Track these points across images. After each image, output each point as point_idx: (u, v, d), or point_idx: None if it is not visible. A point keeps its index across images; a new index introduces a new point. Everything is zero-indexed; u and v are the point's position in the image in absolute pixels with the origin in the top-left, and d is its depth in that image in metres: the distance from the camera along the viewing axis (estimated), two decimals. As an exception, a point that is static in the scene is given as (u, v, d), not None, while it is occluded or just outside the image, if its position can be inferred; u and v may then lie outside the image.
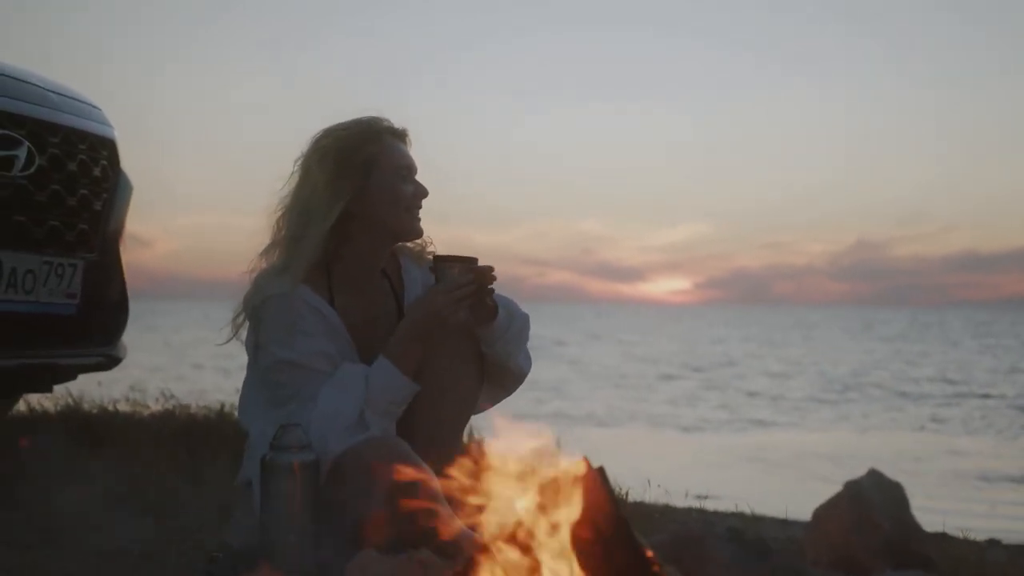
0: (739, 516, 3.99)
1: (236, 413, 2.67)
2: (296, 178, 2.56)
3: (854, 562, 1.79)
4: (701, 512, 3.96)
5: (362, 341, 2.52)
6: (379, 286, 2.65)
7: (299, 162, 2.57)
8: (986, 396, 19.45)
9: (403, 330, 2.44)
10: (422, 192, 2.57)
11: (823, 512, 1.89)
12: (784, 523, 3.96)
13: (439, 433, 2.47)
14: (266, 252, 2.56)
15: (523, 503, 1.73)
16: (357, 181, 2.49)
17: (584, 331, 58.25)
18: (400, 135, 2.60)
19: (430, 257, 2.64)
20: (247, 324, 2.54)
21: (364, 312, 2.57)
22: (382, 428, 2.40)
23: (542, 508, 1.72)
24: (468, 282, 2.42)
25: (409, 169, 2.57)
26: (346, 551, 2.14)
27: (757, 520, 3.92)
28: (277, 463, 2.26)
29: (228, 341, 2.56)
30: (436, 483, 2.25)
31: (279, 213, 2.56)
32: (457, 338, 2.55)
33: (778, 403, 17.87)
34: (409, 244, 2.70)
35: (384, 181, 2.52)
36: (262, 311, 2.47)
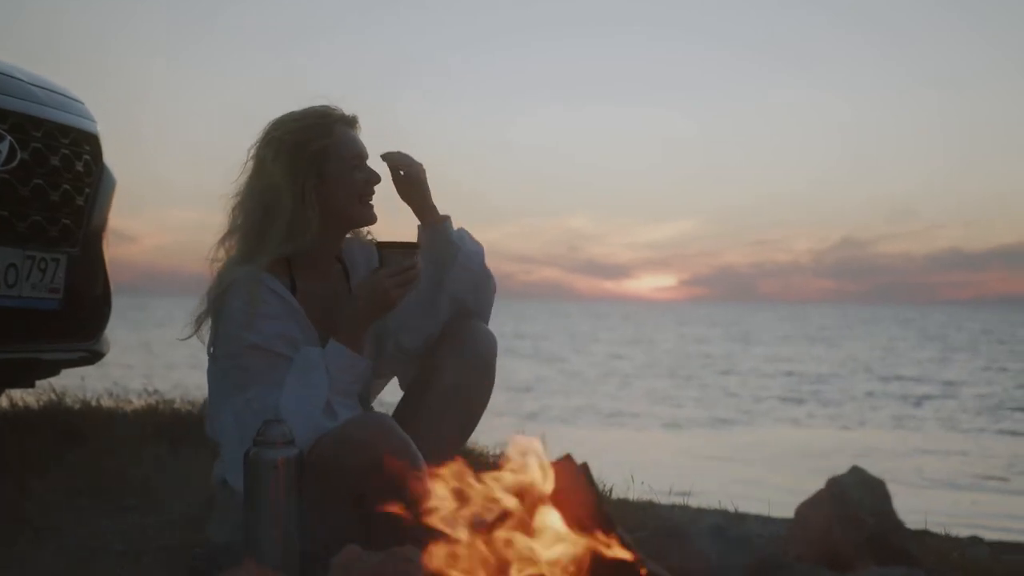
0: (722, 513, 3.99)
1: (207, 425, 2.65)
2: (250, 169, 2.58)
3: (837, 558, 1.80)
4: (684, 509, 3.96)
5: (324, 324, 2.55)
6: (334, 270, 2.69)
7: (252, 152, 2.59)
8: (968, 394, 19.54)
9: (350, 313, 2.49)
10: (374, 179, 2.61)
11: (806, 509, 1.90)
12: (767, 520, 3.97)
13: (440, 449, 2.47)
14: (223, 241, 2.58)
15: (507, 499, 1.73)
16: (311, 174, 2.52)
17: (570, 329, 58.28)
18: (351, 123, 2.62)
19: (370, 240, 2.72)
20: (210, 321, 2.54)
21: (323, 297, 2.59)
22: (351, 409, 2.45)
23: (526, 504, 1.73)
24: (411, 266, 2.49)
25: (360, 157, 2.60)
26: (330, 545, 2.14)
27: (740, 517, 3.93)
28: (261, 459, 2.25)
29: (189, 337, 2.55)
30: (422, 462, 2.29)
31: (235, 201, 2.58)
32: (463, 353, 2.62)
33: (760, 401, 17.92)
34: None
35: (337, 172, 2.55)
36: (225, 298, 2.48)
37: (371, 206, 2.62)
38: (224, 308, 2.48)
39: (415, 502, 2.08)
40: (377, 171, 2.62)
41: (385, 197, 2.66)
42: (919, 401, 18.33)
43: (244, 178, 2.58)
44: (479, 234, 2.71)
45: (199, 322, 2.54)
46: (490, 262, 2.69)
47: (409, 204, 2.67)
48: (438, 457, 2.30)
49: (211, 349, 2.54)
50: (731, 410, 16.30)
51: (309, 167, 2.52)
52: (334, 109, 2.60)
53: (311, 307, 2.55)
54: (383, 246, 2.54)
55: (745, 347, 38.61)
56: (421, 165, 2.66)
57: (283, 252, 2.52)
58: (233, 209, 2.57)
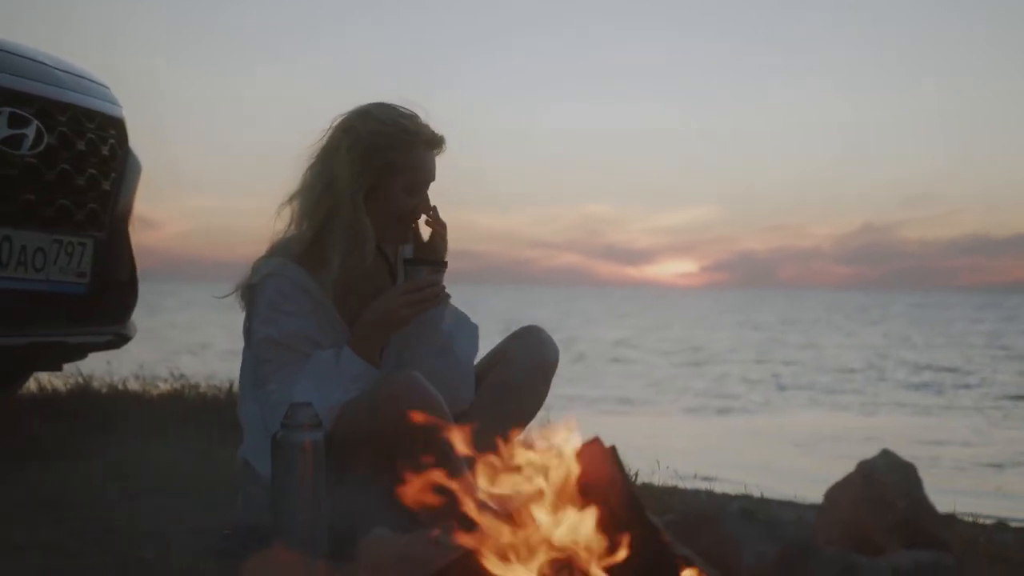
0: (747, 498, 3.98)
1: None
2: (326, 144, 2.58)
3: (867, 541, 1.79)
4: (709, 494, 3.96)
5: (354, 320, 2.56)
6: (375, 266, 2.69)
7: (335, 125, 2.58)
8: (989, 380, 19.41)
9: (364, 324, 2.50)
10: (422, 209, 2.61)
11: (836, 492, 1.89)
12: (791, 505, 3.96)
13: (487, 439, 2.50)
14: (290, 200, 2.59)
15: (536, 482, 1.73)
16: (371, 179, 2.53)
17: (591, 314, 58.24)
18: (434, 144, 2.60)
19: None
20: (248, 298, 2.57)
21: (360, 293, 2.60)
22: None
23: (555, 487, 1.72)
24: (432, 283, 2.49)
25: (422, 184, 2.59)
26: (358, 523, 2.14)
27: (765, 502, 3.92)
28: (288, 442, 2.26)
29: (227, 296, 2.58)
30: (451, 420, 2.37)
31: (307, 164, 2.59)
32: (528, 354, 2.67)
33: (782, 387, 17.86)
34: None
35: (392, 190, 2.55)
36: (255, 291, 2.52)
37: (410, 228, 2.62)
38: (253, 300, 2.52)
39: (446, 457, 2.09)
40: (428, 203, 2.61)
41: (438, 193, 2.67)
42: (940, 387, 18.22)
43: (319, 147, 2.59)
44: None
45: (237, 288, 2.56)
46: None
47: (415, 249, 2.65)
48: (485, 445, 2.33)
49: (247, 338, 2.58)
50: (754, 396, 16.25)
51: (372, 173, 2.52)
52: (422, 127, 2.58)
53: (345, 302, 2.57)
54: (409, 261, 2.56)
55: (767, 332, 38.46)
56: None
57: (341, 243, 2.50)
58: (304, 173, 2.58)
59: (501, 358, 2.69)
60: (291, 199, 2.59)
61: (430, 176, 2.60)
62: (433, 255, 2.59)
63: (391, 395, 2.38)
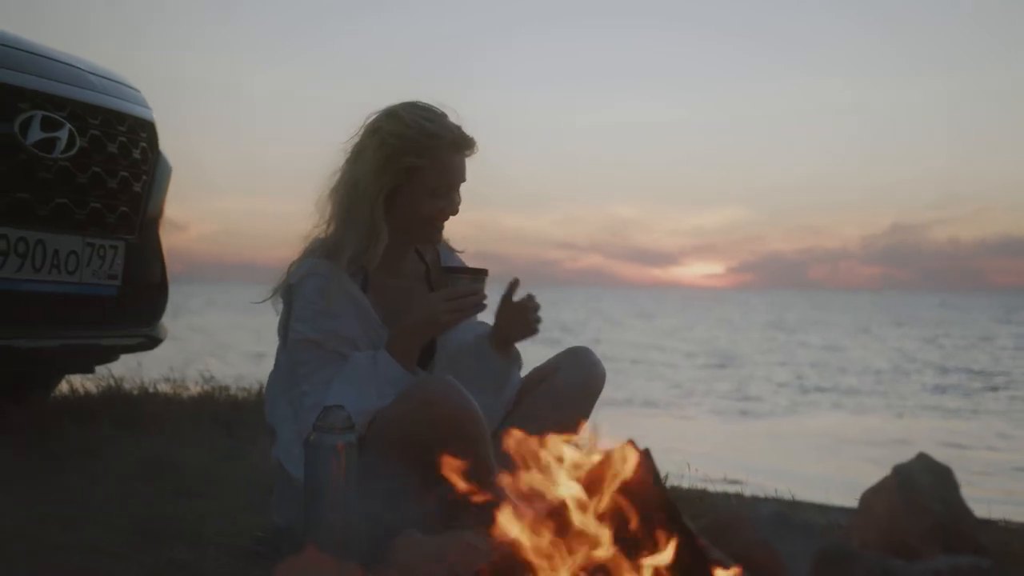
0: (777, 501, 3.96)
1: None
2: (356, 145, 2.60)
3: (904, 546, 1.77)
4: (739, 497, 3.94)
5: (393, 321, 2.57)
6: (414, 271, 2.70)
7: (366, 123, 2.60)
8: (1018, 384, 19.23)
9: (403, 329, 2.50)
10: (451, 210, 2.61)
11: (871, 496, 1.88)
12: (822, 508, 3.94)
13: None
14: (330, 195, 2.60)
15: (571, 485, 1.73)
16: (393, 181, 2.54)
17: (615, 316, 58.12)
18: (463, 147, 2.59)
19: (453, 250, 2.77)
20: (287, 298, 2.58)
21: (397, 298, 2.61)
22: None
23: (589, 490, 1.72)
24: (471, 292, 2.48)
25: (449, 186, 2.58)
26: (391, 525, 2.15)
27: (796, 505, 3.90)
28: (321, 444, 2.27)
29: (265, 300, 2.60)
30: (486, 426, 2.39)
31: (345, 158, 2.61)
32: (575, 373, 2.67)
33: (806, 389, 17.76)
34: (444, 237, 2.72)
35: (415, 192, 2.55)
36: (296, 290, 2.52)
37: (437, 228, 2.62)
38: (291, 300, 2.53)
39: (481, 462, 2.08)
40: (456, 205, 2.61)
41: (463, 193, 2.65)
42: (968, 390, 18.06)
43: (354, 143, 2.60)
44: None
45: (275, 290, 2.58)
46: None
47: (500, 326, 2.63)
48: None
49: (283, 337, 2.59)
50: (781, 399, 16.17)
51: (394, 176, 2.53)
52: (449, 129, 2.57)
53: (382, 302, 2.58)
54: (450, 269, 2.57)
55: (793, 335, 38.25)
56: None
57: (355, 241, 2.52)
58: (339, 169, 2.61)
59: (550, 374, 2.69)
60: (330, 195, 2.61)
61: (457, 179, 2.59)
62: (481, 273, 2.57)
63: (427, 400, 2.38)
